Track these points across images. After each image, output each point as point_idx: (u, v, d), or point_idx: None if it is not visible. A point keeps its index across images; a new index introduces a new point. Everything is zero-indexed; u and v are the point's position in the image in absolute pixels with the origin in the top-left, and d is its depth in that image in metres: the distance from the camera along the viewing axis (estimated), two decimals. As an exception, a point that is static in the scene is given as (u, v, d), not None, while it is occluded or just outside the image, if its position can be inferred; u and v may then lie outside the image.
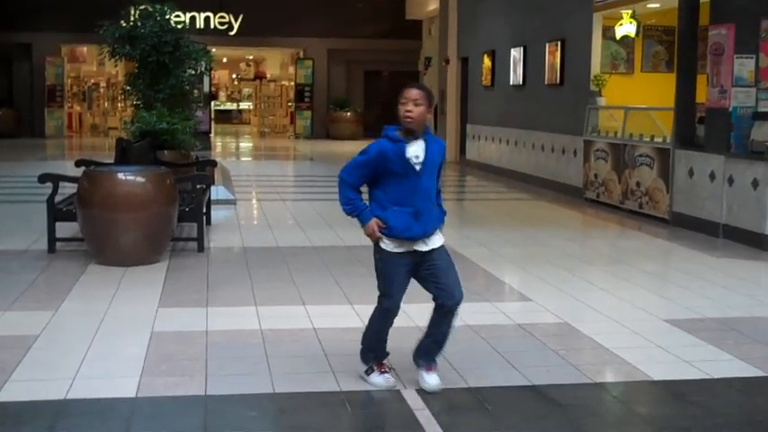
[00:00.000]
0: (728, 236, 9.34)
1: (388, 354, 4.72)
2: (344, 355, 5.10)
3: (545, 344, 5.48)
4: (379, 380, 4.61)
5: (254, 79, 38.06)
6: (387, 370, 4.66)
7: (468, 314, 6.04)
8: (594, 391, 4.72)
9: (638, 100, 12.54)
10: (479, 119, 18.73)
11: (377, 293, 6.74)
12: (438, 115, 21.52)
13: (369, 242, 9.49)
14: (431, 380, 4.58)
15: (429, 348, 4.67)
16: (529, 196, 13.72)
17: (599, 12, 13.01)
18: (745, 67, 9.41)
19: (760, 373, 5.00)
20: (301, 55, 29.82)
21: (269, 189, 14.62)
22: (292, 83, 30.92)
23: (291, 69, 31.81)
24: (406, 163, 4.41)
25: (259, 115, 34.45)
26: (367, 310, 6.11)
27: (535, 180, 15.02)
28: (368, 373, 4.65)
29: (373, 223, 4.50)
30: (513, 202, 13.28)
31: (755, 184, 8.90)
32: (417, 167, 4.42)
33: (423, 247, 4.51)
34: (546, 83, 14.85)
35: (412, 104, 4.38)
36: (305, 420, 4.15)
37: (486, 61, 18.15)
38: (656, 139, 11.18)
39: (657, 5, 12.44)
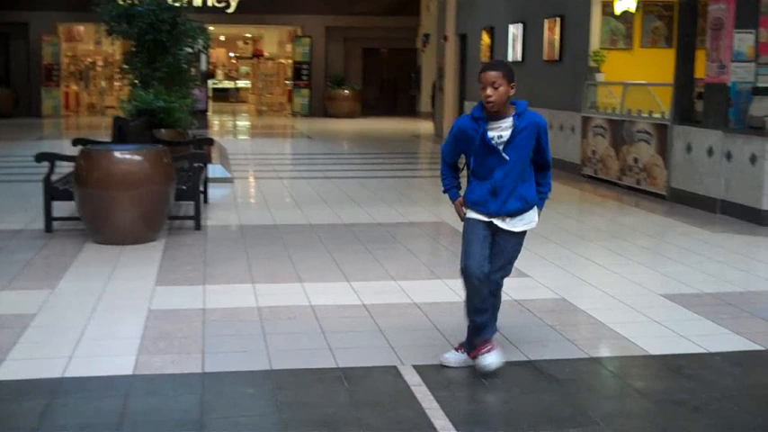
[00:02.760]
0: (726, 211, 9.34)
1: (494, 330, 4.56)
2: (341, 332, 5.12)
3: (542, 320, 5.48)
4: (487, 359, 4.42)
5: (252, 57, 37.94)
6: (490, 348, 4.45)
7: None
8: (591, 366, 4.73)
9: (637, 76, 12.50)
10: (478, 96, 18.64)
11: (373, 270, 6.80)
12: (436, 92, 21.49)
13: (366, 220, 9.53)
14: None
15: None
16: (527, 173, 13.67)
17: (599, -14, 12.95)
18: (744, 42, 9.36)
19: (756, 347, 5.01)
20: (299, 33, 29.69)
21: (266, 167, 14.59)
22: (290, 61, 30.81)
23: (289, 47, 31.69)
24: (488, 143, 4.38)
25: (257, 93, 34.34)
26: (364, 286, 6.19)
27: (533, 157, 14.97)
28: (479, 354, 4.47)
29: (458, 203, 4.59)
30: (511, 179, 13.23)
31: (753, 159, 8.88)
32: (500, 147, 4.37)
33: (499, 223, 4.48)
34: (545, 59, 14.80)
35: (490, 88, 4.31)
36: (302, 397, 4.15)
37: (485, 38, 18.07)
38: (654, 115, 11.15)
39: (657, -20, 12.38)
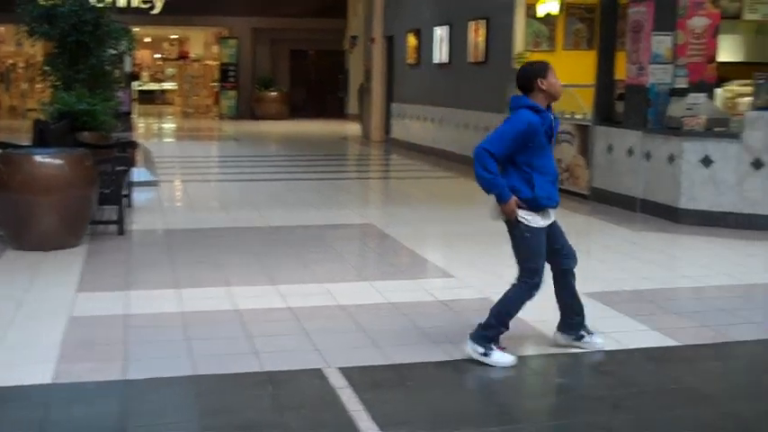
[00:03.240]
0: (646, 210, 9.55)
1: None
2: (267, 336, 5.11)
3: (466, 319, 5.53)
4: (504, 357, 4.65)
5: (178, 59, 37.52)
6: (503, 347, 4.73)
7: (390, 292, 6.12)
8: (514, 364, 4.79)
9: (559, 77, 12.63)
10: (405, 98, 18.77)
11: (300, 273, 6.76)
12: (363, 94, 21.52)
13: (293, 222, 9.46)
14: (599, 339, 5.00)
15: (580, 320, 5.00)
16: (453, 174, 13.83)
17: (522, -11, 13.14)
18: (662, 44, 9.58)
19: (673, 343, 5.14)
20: (225, 34, 29.47)
21: (193, 170, 14.47)
22: (217, 62, 30.55)
23: (216, 49, 31.42)
24: (549, 133, 4.62)
25: (183, 95, 33.97)
26: (291, 289, 6.16)
27: (460, 158, 15.12)
28: (487, 354, 4.64)
29: (513, 202, 4.62)
30: (437, 181, 13.37)
31: (671, 158, 9.10)
32: (552, 138, 4.66)
33: (553, 217, 4.75)
34: (470, 61, 14.94)
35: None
36: (226, 402, 4.13)
37: (412, 40, 18.18)
38: (576, 116, 11.34)
39: (578, -17, 12.60)
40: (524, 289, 4.72)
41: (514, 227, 4.66)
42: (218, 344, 4.98)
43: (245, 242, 7.97)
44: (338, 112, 29.00)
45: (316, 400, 4.18)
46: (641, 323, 5.50)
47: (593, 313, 5.68)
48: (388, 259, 7.60)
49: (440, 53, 16.50)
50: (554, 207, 4.74)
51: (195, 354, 4.77)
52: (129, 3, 27.32)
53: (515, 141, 4.58)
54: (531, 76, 4.63)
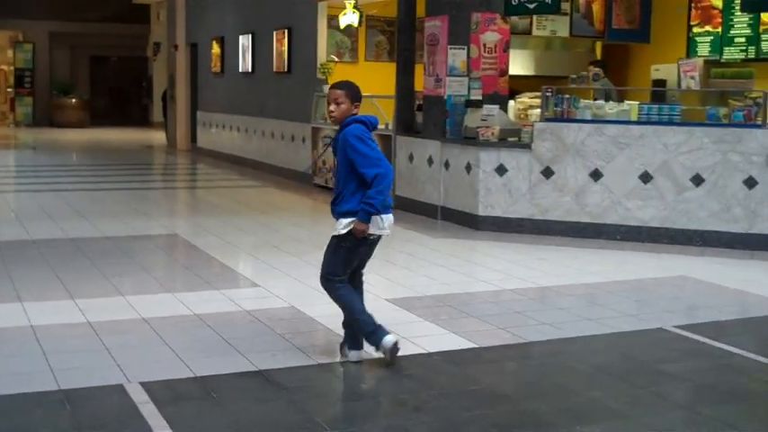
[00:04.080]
0: (446, 217, 9.89)
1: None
2: (64, 353, 4.94)
3: (272, 329, 5.57)
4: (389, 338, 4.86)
5: (-32, 63, 35.48)
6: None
7: (196, 303, 6.07)
8: (319, 372, 4.85)
9: (362, 88, 12.89)
10: (210, 106, 18.58)
11: (101, 286, 6.59)
12: (168, 102, 21.16)
13: (94, 234, 9.22)
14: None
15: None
16: (260, 183, 13.82)
17: (324, 1, 13.30)
18: (458, 57, 9.96)
19: (471, 345, 5.36)
20: (20, 38, 28.17)
21: (-15, 181, 13.74)
22: (11, 67, 29.16)
23: (10, 53, 29.99)
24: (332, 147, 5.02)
25: (-26, 102, 32.15)
26: (90, 303, 5.99)
27: (266, 167, 15.13)
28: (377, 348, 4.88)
29: None
30: (244, 190, 13.32)
31: (468, 167, 9.47)
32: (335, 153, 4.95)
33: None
34: (274, 70, 14.98)
35: (333, 104, 4.92)
36: (20, 423, 3.97)
37: (216, 48, 18.02)
38: (379, 126, 11.56)
39: (379, -4, 12.90)
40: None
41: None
42: (9, 362, 4.78)
43: (43, 255, 7.66)
44: (142, 120, 28.34)
45: (116, 418, 4.08)
46: (441, 327, 5.70)
47: (396, 319, 5.85)
48: (194, 270, 7.50)
49: (244, 62, 16.45)
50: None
51: (-14, 375, 4.56)
52: None
53: None
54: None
